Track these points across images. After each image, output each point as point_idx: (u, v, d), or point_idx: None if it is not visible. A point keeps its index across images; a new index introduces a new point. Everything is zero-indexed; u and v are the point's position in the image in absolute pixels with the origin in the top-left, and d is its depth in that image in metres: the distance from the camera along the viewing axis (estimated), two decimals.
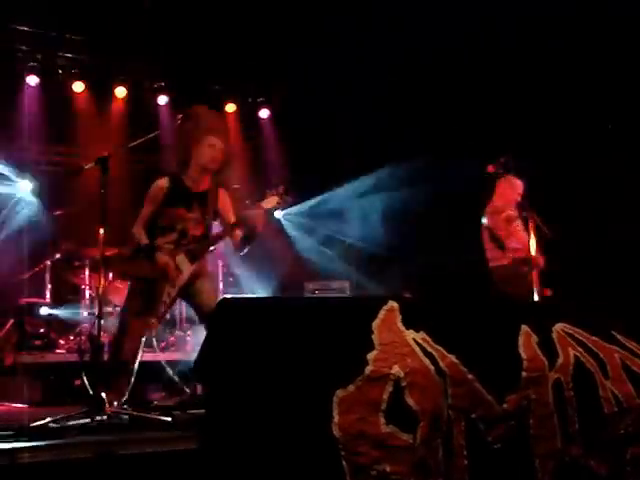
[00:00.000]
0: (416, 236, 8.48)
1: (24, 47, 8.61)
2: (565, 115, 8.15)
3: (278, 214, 9.56)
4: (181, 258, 4.73)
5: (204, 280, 4.86)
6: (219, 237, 4.99)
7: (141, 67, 9.34)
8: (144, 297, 4.67)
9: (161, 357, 7.05)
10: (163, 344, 7.62)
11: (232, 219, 4.95)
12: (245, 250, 5.01)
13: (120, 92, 9.41)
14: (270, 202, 4.87)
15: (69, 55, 8.89)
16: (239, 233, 4.87)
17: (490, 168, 5.78)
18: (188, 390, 6.15)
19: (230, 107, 10.11)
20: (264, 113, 10.31)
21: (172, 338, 7.77)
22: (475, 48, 8.02)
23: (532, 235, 5.67)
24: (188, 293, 4.85)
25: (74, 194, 7.88)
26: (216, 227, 5.12)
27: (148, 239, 4.73)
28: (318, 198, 9.51)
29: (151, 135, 5.05)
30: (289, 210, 9.67)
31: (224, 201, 5.03)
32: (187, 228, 4.79)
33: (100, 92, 9.31)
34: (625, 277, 6.08)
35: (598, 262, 6.48)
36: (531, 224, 5.67)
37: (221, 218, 5.00)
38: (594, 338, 3.34)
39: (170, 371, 6.57)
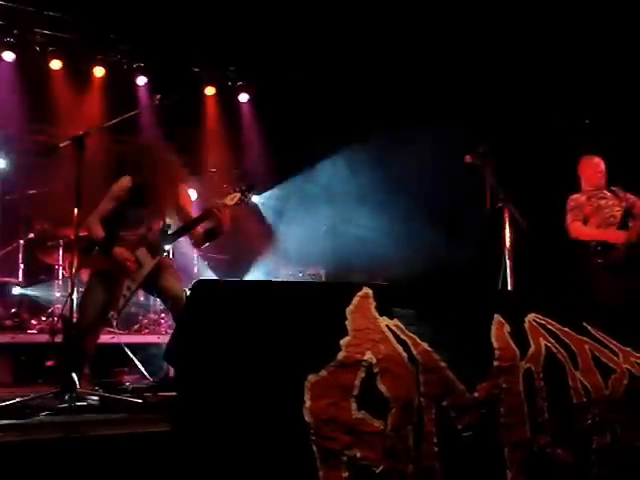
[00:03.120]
0: (394, 222, 8.50)
1: (0, 22, 8.47)
2: (542, 109, 8.21)
3: (255, 198, 9.52)
4: (142, 252, 4.75)
5: (167, 271, 4.89)
6: (180, 232, 5.02)
7: (120, 47, 9.23)
8: (103, 290, 4.69)
9: (134, 339, 7.03)
10: (136, 326, 7.62)
11: (192, 214, 5.01)
12: (204, 246, 5.13)
13: (98, 71, 9.31)
14: (232, 199, 4.92)
15: (47, 32, 8.75)
16: (200, 229, 4.93)
17: (468, 158, 5.78)
18: (159, 373, 6.14)
19: (209, 90, 10.06)
20: (243, 97, 10.26)
21: (145, 321, 7.76)
22: (454, 37, 8.05)
23: (507, 227, 5.69)
24: (153, 285, 4.89)
25: (49, 173, 7.79)
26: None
27: (106, 232, 4.74)
28: (295, 181, 9.49)
29: (127, 115, 5.03)
30: (267, 194, 9.67)
31: (184, 196, 5.08)
32: (150, 225, 4.82)
33: (78, 71, 9.19)
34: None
35: (570, 254, 6.52)
36: (506, 215, 5.69)
37: (182, 213, 5.02)
38: (565, 329, 3.38)
39: (142, 354, 6.55)
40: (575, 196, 6.34)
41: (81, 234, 4.78)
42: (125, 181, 4.85)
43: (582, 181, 6.45)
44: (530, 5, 7.68)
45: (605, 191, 6.30)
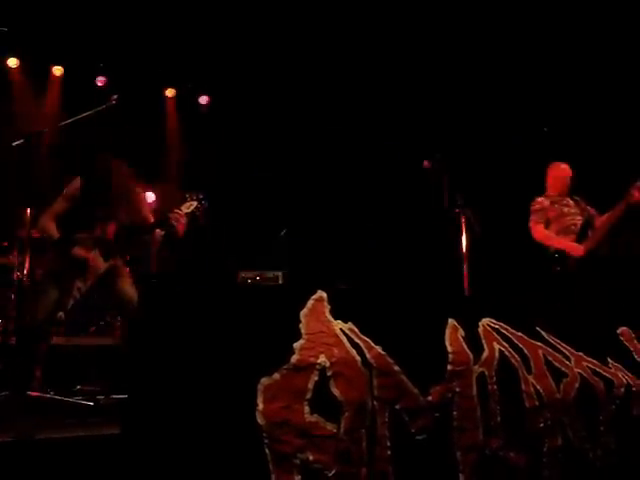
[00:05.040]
0: (352, 226, 8.53)
1: None
2: (500, 117, 8.30)
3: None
4: (95, 254, 4.70)
5: (120, 274, 4.87)
6: (134, 237, 5.00)
7: (79, 47, 9.11)
8: (55, 291, 4.63)
9: (90, 341, 6.94)
10: (93, 328, 7.51)
11: (148, 218, 4.98)
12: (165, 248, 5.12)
13: (57, 70, 9.19)
14: (189, 207, 4.93)
15: (3, 29, 8.60)
16: (159, 232, 4.92)
17: (426, 163, 5.83)
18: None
19: (169, 92, 9.98)
20: (203, 99, 10.19)
21: (102, 323, 7.65)
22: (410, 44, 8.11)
23: (463, 232, 5.74)
24: (105, 288, 4.86)
25: (3, 172, 7.66)
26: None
27: (61, 233, 4.69)
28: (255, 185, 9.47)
29: (83, 115, 4.99)
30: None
31: (140, 199, 5.06)
32: (104, 227, 4.78)
33: (36, 69, 9.06)
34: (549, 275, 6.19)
35: (524, 260, 6.60)
36: (463, 221, 5.74)
37: (137, 216, 4.99)
38: (519, 334, 3.41)
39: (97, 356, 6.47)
40: (540, 199, 6.40)
41: (34, 235, 4.72)
42: (78, 182, 4.79)
43: (548, 185, 6.52)
44: (488, 13, 7.76)
45: (568, 199, 6.38)
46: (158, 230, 4.97)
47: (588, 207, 6.31)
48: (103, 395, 4.91)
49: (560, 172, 6.50)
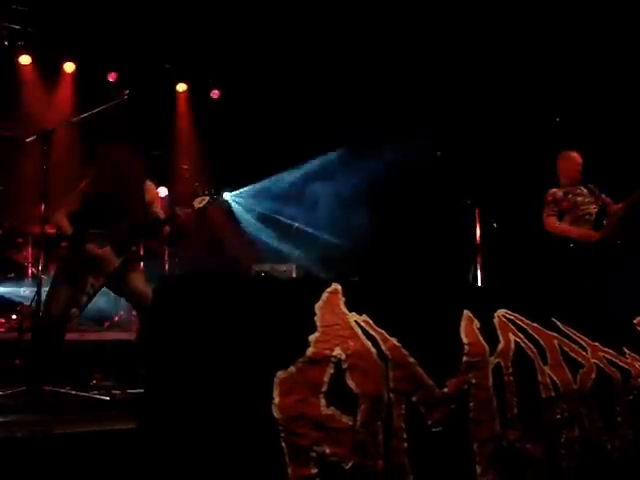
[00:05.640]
0: (365, 220, 8.53)
1: None
2: (514, 107, 8.26)
3: (227, 196, 9.51)
4: (108, 250, 4.71)
5: (133, 270, 4.88)
6: (146, 233, 5.01)
7: (91, 43, 9.13)
8: (68, 287, 4.65)
9: (105, 336, 6.97)
10: (107, 323, 7.55)
11: (160, 214, 4.99)
12: (171, 245, 5.12)
13: (68, 67, 9.22)
14: (201, 202, 4.94)
15: (15, 26, 8.64)
16: (167, 229, 4.92)
17: (439, 154, 5.82)
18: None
19: (181, 86, 10.00)
20: (215, 94, 10.20)
21: (117, 317, 7.69)
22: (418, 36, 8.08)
23: (477, 223, 5.73)
24: (118, 284, 4.88)
25: (16, 169, 7.70)
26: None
27: (75, 229, 4.70)
28: (267, 180, 9.49)
29: (94, 111, 4.99)
30: (238, 192, 9.65)
31: (152, 196, 5.06)
32: (116, 223, 4.79)
33: (48, 66, 9.09)
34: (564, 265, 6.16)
35: (539, 250, 6.57)
36: (477, 212, 5.72)
37: (149, 212, 4.99)
38: (534, 324, 3.40)
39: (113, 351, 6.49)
40: (553, 190, 6.38)
41: (49, 231, 4.74)
42: (91, 178, 4.80)
43: (560, 176, 6.49)
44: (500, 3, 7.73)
45: (582, 187, 6.35)
46: (166, 227, 4.98)
47: (602, 195, 6.28)
48: (119, 390, 4.93)
49: (570, 161, 6.48)
